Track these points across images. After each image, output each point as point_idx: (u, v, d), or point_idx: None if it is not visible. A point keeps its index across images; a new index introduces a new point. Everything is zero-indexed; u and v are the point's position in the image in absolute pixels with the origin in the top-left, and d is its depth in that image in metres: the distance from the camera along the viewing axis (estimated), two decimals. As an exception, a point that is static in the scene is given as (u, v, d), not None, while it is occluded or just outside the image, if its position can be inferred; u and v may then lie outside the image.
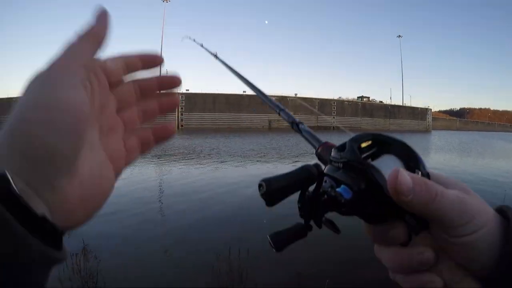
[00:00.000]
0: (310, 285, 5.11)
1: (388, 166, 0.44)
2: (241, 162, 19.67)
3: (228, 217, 8.69)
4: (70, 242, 5.49)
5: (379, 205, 0.43)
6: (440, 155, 26.89)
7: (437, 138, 54.12)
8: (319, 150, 0.66)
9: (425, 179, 0.43)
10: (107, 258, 5.71)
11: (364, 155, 0.47)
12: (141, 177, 13.31)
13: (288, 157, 21.98)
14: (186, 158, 21.19)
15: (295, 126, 0.88)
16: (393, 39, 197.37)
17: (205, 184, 12.44)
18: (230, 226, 8.04)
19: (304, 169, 0.45)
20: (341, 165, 0.47)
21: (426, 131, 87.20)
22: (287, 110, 1.02)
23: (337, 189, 0.44)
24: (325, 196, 0.46)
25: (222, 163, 18.81)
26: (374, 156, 0.47)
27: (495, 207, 0.45)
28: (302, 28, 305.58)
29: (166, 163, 18.20)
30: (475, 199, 0.43)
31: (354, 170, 0.45)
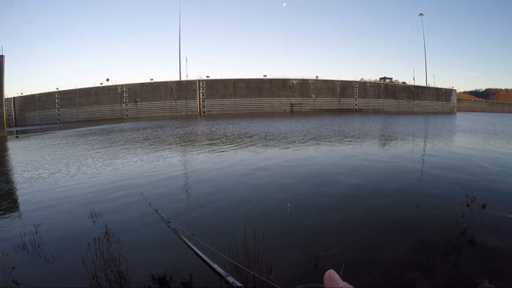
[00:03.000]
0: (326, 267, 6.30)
1: None
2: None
3: (242, 200, 9.59)
4: (93, 227, 7.48)
5: None
6: (463, 137, 29.21)
7: (462, 120, 58.71)
8: None
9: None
10: (129, 242, 6.37)
11: None
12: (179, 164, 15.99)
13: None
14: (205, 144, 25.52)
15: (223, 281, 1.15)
16: (415, 17, 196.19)
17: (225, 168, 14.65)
18: (243, 209, 8.93)
19: None
20: None
21: (451, 112, 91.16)
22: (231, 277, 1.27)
23: None
24: None
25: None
26: None
27: None
28: (322, 10, 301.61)
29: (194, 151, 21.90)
30: None
31: None
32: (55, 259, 6.05)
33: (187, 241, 1.92)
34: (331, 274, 0.64)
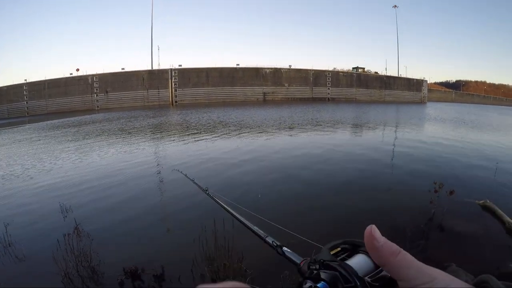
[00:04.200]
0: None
1: (359, 262, 0.61)
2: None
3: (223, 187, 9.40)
4: (63, 222, 7.23)
5: None
6: (435, 126, 30.16)
7: (433, 109, 60.52)
8: (301, 265, 0.81)
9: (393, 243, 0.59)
10: (100, 237, 6.25)
11: (340, 257, 0.64)
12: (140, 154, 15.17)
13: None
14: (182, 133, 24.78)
15: (279, 249, 1.09)
16: (388, 9, 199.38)
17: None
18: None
19: None
20: (317, 266, 0.61)
21: (421, 102, 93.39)
22: (270, 237, 1.28)
23: (317, 285, 0.57)
24: None
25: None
26: (349, 256, 0.64)
27: (474, 280, 0.54)
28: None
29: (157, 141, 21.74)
30: (441, 274, 0.53)
31: (328, 267, 0.59)
32: (26, 257, 5.86)
33: (227, 207, 1.93)
34: (372, 231, 0.59)
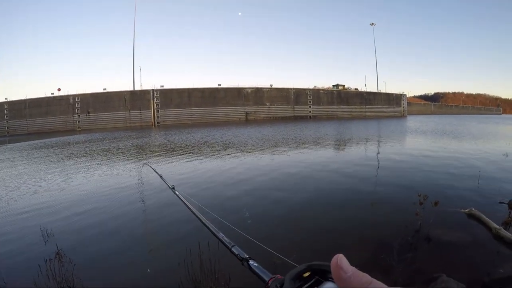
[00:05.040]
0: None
1: None
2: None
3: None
4: (43, 246, 6.92)
5: None
6: (414, 138, 31.00)
7: (413, 122, 61.12)
8: (269, 284, 0.75)
9: (365, 273, 0.55)
10: (83, 261, 6.00)
11: (307, 285, 0.59)
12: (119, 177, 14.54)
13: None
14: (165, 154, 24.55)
15: (246, 262, 1.02)
16: (366, 26, 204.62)
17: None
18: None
19: None
20: None
21: (402, 116, 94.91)
22: (237, 247, 1.20)
23: None
24: None
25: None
26: (319, 282, 0.58)
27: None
28: (276, 20, 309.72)
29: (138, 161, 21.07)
30: None
31: None
32: (7, 284, 5.50)
33: (192, 208, 1.83)
34: (338, 261, 0.55)
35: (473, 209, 8.23)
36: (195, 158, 19.62)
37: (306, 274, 0.61)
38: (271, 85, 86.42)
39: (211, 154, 21.19)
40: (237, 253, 1.13)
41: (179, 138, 35.19)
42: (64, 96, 73.91)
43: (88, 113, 72.54)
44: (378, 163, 16.78)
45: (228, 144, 26.79)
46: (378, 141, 28.75)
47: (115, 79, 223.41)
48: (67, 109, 72.44)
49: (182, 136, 36.51)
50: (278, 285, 0.63)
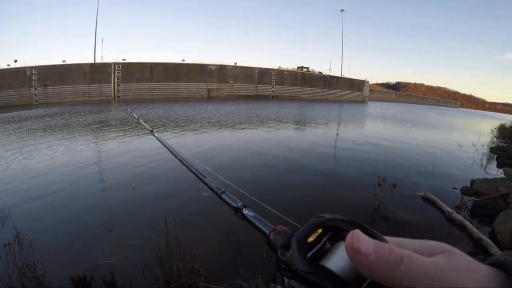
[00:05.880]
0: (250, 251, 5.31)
1: (342, 259, 0.44)
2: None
3: (165, 190, 9.08)
4: (1, 230, 6.62)
5: None
6: (375, 123, 31.59)
7: (374, 108, 62.56)
8: (270, 237, 0.66)
9: (390, 245, 0.42)
10: (43, 244, 5.77)
11: (314, 249, 0.48)
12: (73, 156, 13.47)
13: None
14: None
15: (239, 213, 0.90)
16: (335, 12, 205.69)
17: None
18: (166, 198, 8.43)
19: None
20: (289, 274, 0.47)
21: (363, 101, 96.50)
22: (228, 193, 1.05)
23: None
24: None
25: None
26: (332, 239, 0.49)
27: (488, 261, 0.43)
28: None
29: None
30: (458, 262, 0.41)
31: (304, 281, 0.45)
32: None
33: (174, 152, 1.71)
34: (355, 242, 0.41)
35: (428, 193, 8.63)
36: (160, 134, 19.26)
37: (315, 236, 0.49)
38: (235, 63, 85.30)
39: (175, 130, 20.88)
40: (228, 201, 0.99)
41: (141, 113, 34.33)
42: (21, 68, 69.41)
43: (46, 86, 68.73)
44: (340, 146, 17.16)
45: (192, 120, 26.41)
46: (340, 124, 29.34)
47: (77, 53, 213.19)
48: (24, 82, 68.26)
49: (144, 111, 35.67)
50: (284, 250, 0.49)
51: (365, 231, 0.45)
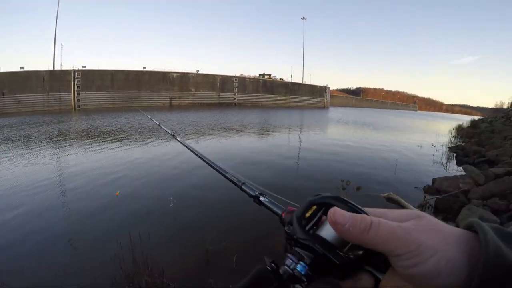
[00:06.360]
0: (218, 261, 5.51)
1: (331, 228, 0.56)
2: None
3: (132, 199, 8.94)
4: None
5: (334, 266, 0.55)
6: (337, 128, 32.25)
7: (335, 113, 63.20)
8: (283, 217, 0.76)
9: (363, 215, 0.54)
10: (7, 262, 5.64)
11: (312, 221, 0.61)
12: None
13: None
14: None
15: (257, 200, 1.02)
16: (296, 20, 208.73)
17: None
18: (132, 208, 8.24)
19: (261, 276, 0.56)
20: (293, 242, 0.60)
21: (324, 107, 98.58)
22: (249, 182, 1.18)
23: (297, 268, 0.57)
24: (288, 274, 0.57)
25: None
26: (325, 213, 0.59)
27: (461, 225, 0.52)
28: (205, 5, 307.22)
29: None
30: (426, 224, 0.49)
31: (303, 246, 0.58)
32: None
33: (196, 151, 1.66)
34: (333, 216, 0.54)
35: (392, 194, 8.72)
36: (126, 144, 18.75)
37: (311, 212, 0.63)
38: (197, 71, 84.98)
39: (141, 141, 20.38)
40: (248, 190, 1.12)
41: (103, 123, 33.19)
42: None
43: (3, 94, 65.54)
44: (302, 150, 17.18)
45: (155, 130, 25.84)
46: (302, 130, 29.53)
47: (36, 59, 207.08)
48: None
49: (106, 121, 34.69)
50: (290, 225, 0.63)
51: (347, 204, 0.59)
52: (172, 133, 2.97)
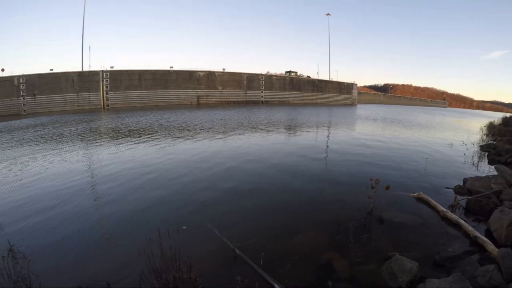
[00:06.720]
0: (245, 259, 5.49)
1: None
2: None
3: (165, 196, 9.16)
4: None
5: None
6: (365, 125, 31.97)
7: (363, 111, 62.45)
8: None
9: None
10: (38, 257, 5.73)
11: None
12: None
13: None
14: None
15: None
16: (321, 16, 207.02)
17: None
18: (166, 206, 8.50)
19: None
20: None
21: (352, 104, 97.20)
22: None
23: None
24: None
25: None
26: None
27: None
28: (231, 4, 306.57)
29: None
30: None
31: None
32: None
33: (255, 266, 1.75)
34: None
35: (422, 193, 8.70)
36: (157, 142, 19.13)
37: None
38: (223, 69, 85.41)
39: (169, 138, 20.79)
40: None
41: (132, 121, 33.81)
42: (8, 77, 68.16)
43: (34, 95, 67.56)
44: (332, 148, 17.21)
45: (185, 128, 26.27)
46: (331, 127, 29.35)
47: (64, 61, 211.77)
48: (12, 91, 66.96)
49: (136, 119, 35.29)
50: None
51: None
52: (233, 248, 2.84)
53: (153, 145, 17.47)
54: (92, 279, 5.11)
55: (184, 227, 6.86)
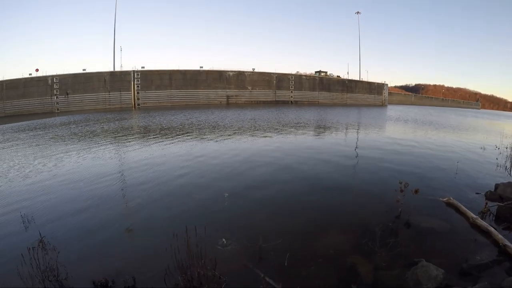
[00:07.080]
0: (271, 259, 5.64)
1: None
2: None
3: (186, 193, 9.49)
4: (25, 235, 6.82)
5: None
6: (396, 127, 31.90)
7: (394, 112, 61.60)
8: None
9: None
10: (66, 249, 6.03)
11: None
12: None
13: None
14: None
15: None
16: (351, 15, 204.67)
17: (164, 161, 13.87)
18: (187, 203, 8.72)
19: None
20: None
21: (382, 105, 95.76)
22: None
23: None
24: None
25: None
26: None
27: None
28: (259, 4, 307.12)
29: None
30: None
31: None
32: None
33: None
34: None
35: (451, 198, 8.55)
36: (187, 140, 19.54)
37: None
38: (253, 69, 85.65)
39: (200, 137, 21.16)
40: None
41: (163, 119, 34.44)
42: (42, 77, 70.60)
43: (67, 94, 69.72)
44: (361, 149, 17.08)
45: (215, 127, 26.73)
46: (361, 128, 29.16)
47: (96, 61, 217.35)
48: (45, 90, 69.36)
49: (167, 118, 35.94)
50: None
51: None
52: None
53: (183, 143, 17.91)
54: (117, 271, 5.31)
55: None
